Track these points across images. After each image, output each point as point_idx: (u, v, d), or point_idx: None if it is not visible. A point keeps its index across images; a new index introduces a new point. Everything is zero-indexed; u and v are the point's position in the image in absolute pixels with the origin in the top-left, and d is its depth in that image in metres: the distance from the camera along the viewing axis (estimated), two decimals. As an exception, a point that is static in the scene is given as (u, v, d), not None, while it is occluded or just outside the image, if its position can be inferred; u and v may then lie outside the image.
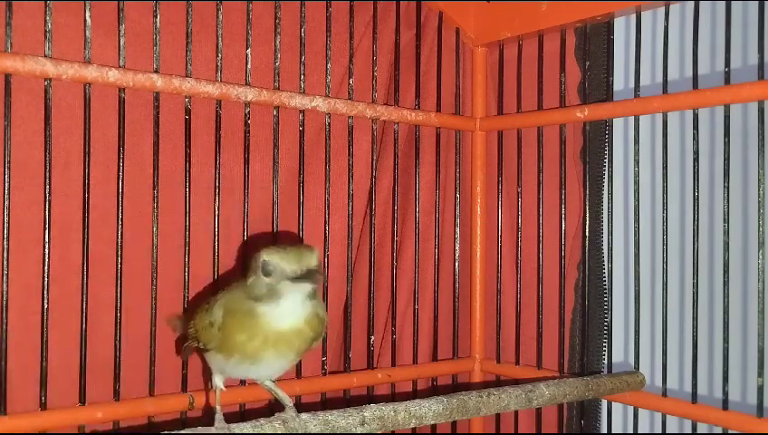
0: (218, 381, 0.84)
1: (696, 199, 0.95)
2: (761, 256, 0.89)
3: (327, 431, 0.77)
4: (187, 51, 0.93)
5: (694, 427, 0.94)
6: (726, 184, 0.92)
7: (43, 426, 0.83)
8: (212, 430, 0.74)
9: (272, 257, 0.77)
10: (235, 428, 0.74)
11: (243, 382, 0.96)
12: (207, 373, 0.91)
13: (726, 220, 0.92)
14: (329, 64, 1.04)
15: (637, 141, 1.01)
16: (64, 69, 0.84)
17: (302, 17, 1.02)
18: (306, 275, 0.76)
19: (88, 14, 0.86)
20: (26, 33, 0.85)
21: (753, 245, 0.96)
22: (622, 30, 1.07)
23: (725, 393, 0.91)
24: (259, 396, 0.96)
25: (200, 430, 0.74)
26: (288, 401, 0.81)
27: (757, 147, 0.89)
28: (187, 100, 0.93)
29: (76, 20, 0.87)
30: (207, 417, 0.94)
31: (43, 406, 0.83)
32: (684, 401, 0.95)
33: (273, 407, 0.97)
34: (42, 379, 0.83)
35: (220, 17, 0.95)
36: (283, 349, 0.79)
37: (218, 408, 0.79)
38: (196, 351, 0.87)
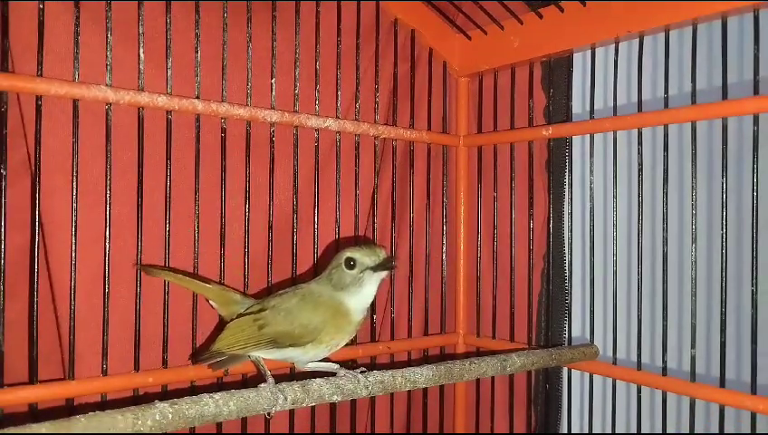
0: (260, 354, 0.84)
1: (640, 203, 0.95)
2: (693, 249, 0.89)
3: (337, 393, 0.78)
4: (222, 80, 0.93)
5: (639, 390, 0.95)
6: (665, 190, 0.92)
7: (104, 389, 0.83)
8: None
9: (354, 254, 0.79)
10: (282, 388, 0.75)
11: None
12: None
13: (665, 219, 0.92)
14: (339, 91, 1.04)
15: (592, 155, 1.01)
16: (122, 95, 0.84)
17: (317, 53, 1.02)
18: (384, 264, 0.79)
19: (141, 49, 0.86)
20: (91, 66, 0.85)
21: (688, 239, 0.96)
22: (580, 63, 1.07)
23: (665, 362, 0.92)
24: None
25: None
26: (335, 367, 0.83)
27: (690, 160, 0.89)
28: (222, 121, 0.93)
29: (131, 54, 0.87)
30: (242, 382, 0.94)
31: (104, 373, 0.83)
32: (631, 369, 0.95)
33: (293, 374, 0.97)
34: (103, 350, 0.83)
35: (250, 53, 0.95)
36: (347, 336, 0.82)
37: (268, 372, 0.79)
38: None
